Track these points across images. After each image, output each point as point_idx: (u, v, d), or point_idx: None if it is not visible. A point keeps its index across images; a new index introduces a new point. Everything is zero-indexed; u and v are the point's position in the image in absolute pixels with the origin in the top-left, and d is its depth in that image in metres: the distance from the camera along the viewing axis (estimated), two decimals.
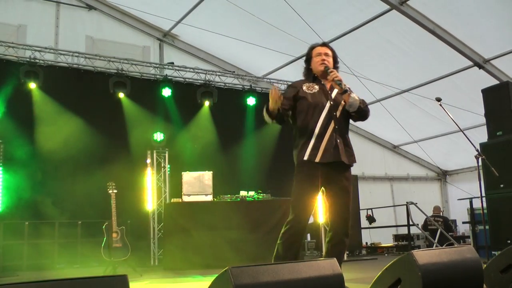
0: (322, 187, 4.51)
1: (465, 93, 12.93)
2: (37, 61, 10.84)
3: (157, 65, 12.65)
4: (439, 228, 12.37)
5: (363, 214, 14.01)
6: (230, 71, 13.65)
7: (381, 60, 12.89)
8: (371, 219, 14.01)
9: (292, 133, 4.69)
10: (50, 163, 10.48)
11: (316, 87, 4.64)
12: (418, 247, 12.93)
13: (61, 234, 10.70)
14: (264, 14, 11.77)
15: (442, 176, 18.45)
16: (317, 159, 4.41)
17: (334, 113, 4.51)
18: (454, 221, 15.47)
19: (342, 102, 4.54)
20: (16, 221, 10.25)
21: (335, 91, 4.60)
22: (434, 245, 11.96)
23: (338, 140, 4.44)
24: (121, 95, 11.50)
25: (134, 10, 13.42)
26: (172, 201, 10.02)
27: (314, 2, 11.38)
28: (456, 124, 6.68)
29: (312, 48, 4.81)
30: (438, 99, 6.58)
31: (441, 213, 14.80)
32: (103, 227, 8.41)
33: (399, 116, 14.27)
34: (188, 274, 8.19)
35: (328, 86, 4.66)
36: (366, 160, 16.69)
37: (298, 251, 4.47)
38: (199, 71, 12.62)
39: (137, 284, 7.05)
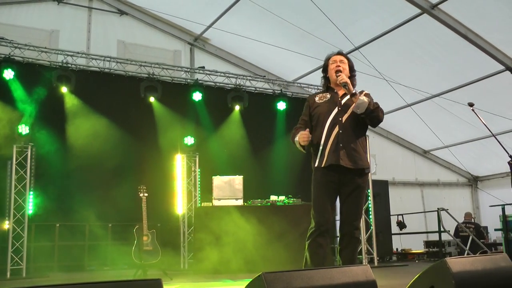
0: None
1: (496, 98, 12.76)
2: (69, 65, 10.94)
3: (188, 69, 12.69)
4: (471, 235, 12.23)
5: (393, 220, 13.91)
6: (261, 76, 13.64)
7: (412, 65, 12.79)
8: (401, 225, 13.89)
9: None
10: (81, 166, 10.51)
11: (328, 95, 4.78)
12: (450, 254, 12.78)
13: (91, 237, 10.82)
14: (295, 19, 11.78)
15: (473, 181, 18.19)
16: (323, 164, 4.55)
17: (340, 118, 4.59)
18: (486, 228, 15.26)
19: (352, 106, 4.59)
20: (47, 223, 10.39)
21: (348, 97, 4.64)
22: (466, 252, 11.82)
23: (341, 144, 4.51)
24: (152, 99, 11.54)
25: (165, 15, 13.56)
26: (202, 205, 10.07)
27: (345, 7, 11.37)
28: (489, 130, 6.59)
29: (328, 57, 4.93)
30: (471, 104, 6.47)
31: (472, 220, 14.65)
32: (134, 230, 8.50)
33: (430, 121, 14.11)
34: (218, 279, 8.22)
35: (340, 93, 4.74)
36: (396, 165, 16.63)
37: (325, 257, 4.52)
38: (230, 75, 12.60)
39: (168, 287, 7.09)
